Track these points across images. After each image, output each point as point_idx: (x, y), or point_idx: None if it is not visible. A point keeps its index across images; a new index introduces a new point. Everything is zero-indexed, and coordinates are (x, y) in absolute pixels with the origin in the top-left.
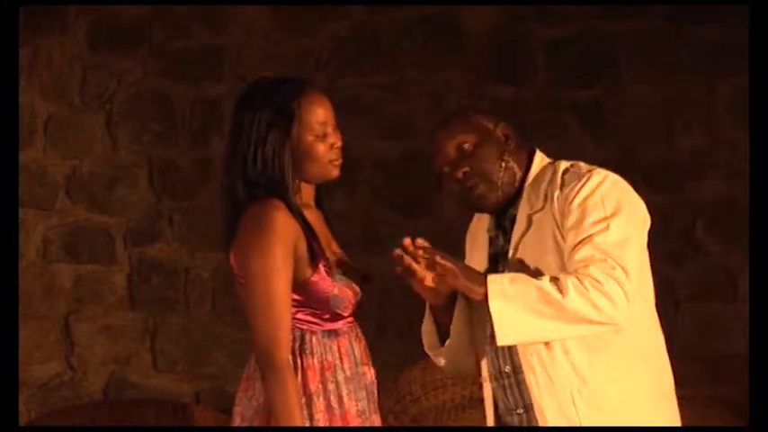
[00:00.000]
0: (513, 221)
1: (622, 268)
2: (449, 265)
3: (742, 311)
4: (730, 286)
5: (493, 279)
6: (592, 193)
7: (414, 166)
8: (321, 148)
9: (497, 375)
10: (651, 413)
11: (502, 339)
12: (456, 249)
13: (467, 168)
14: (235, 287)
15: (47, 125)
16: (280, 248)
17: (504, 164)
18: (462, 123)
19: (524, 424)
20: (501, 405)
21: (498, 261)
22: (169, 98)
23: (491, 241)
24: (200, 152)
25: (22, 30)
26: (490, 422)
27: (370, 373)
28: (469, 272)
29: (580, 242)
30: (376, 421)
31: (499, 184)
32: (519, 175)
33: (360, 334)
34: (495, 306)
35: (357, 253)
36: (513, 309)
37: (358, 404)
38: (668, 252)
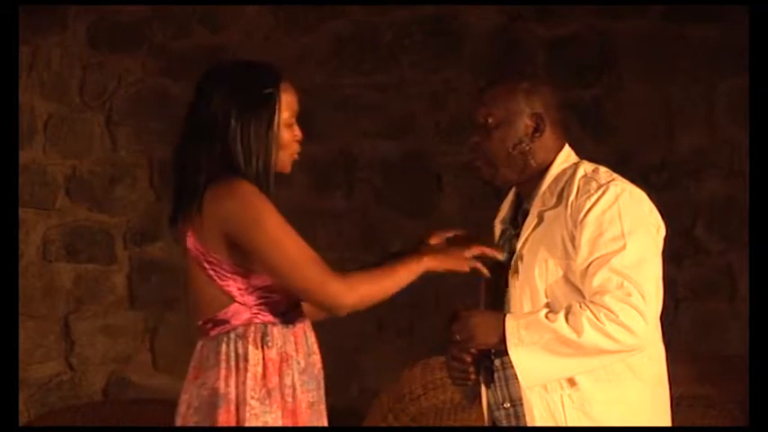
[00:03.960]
0: (525, 216)
1: (639, 292)
2: (464, 348)
3: (742, 311)
4: (730, 286)
5: (509, 329)
6: (609, 207)
7: (414, 166)
8: (287, 136)
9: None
10: (640, 425)
11: (526, 383)
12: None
13: (478, 140)
14: (191, 271)
15: (47, 125)
16: (275, 213)
17: (516, 150)
18: (500, 97)
19: (512, 419)
20: (490, 400)
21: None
22: (169, 98)
23: (503, 233)
24: None
25: (22, 29)
26: (485, 419)
27: (320, 362)
28: (485, 331)
29: (596, 260)
30: (324, 410)
31: (499, 168)
32: (534, 166)
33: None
34: (514, 355)
35: (357, 253)
36: (531, 353)
37: (309, 395)
38: (668, 252)
